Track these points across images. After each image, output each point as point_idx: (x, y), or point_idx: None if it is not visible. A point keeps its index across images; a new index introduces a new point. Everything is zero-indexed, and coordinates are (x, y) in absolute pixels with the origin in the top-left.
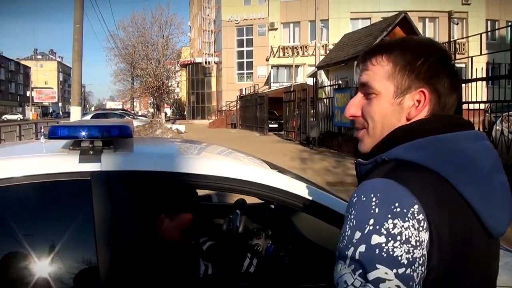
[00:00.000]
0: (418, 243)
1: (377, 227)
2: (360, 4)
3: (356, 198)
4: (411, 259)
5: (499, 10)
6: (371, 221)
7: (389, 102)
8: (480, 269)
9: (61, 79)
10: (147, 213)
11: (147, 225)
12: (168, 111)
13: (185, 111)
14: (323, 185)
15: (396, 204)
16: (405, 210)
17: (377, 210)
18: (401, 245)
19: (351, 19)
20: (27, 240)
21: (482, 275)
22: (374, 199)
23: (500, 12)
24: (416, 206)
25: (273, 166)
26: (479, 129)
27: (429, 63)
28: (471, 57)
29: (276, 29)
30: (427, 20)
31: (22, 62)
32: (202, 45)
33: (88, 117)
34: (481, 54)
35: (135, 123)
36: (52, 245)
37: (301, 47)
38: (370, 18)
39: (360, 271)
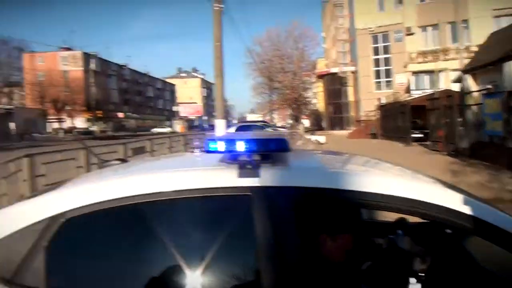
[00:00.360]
0: None
1: None
2: (501, 0)
3: None
4: None
5: None
6: None
7: None
8: None
9: (204, 94)
10: (309, 230)
11: (310, 243)
12: (306, 122)
13: (323, 122)
14: None
15: None
16: None
17: None
18: None
19: (494, 16)
20: (183, 255)
21: None
22: None
23: None
24: None
25: (445, 184)
26: None
27: None
28: None
29: (413, 34)
30: None
31: (168, 80)
32: (337, 55)
33: (233, 129)
34: None
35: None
36: (211, 261)
37: (441, 51)
38: None
39: None
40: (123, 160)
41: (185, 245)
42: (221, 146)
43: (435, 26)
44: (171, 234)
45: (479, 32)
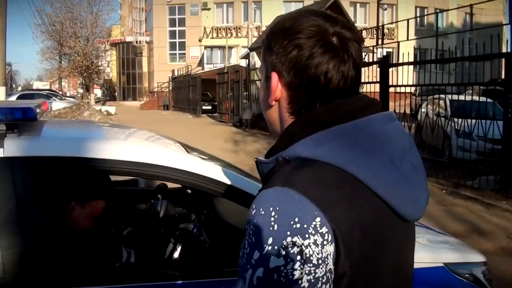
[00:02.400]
0: (320, 261)
1: (276, 247)
2: None
3: (254, 211)
4: (312, 280)
5: None
6: (270, 240)
7: (263, 87)
8: (395, 256)
9: None
10: (55, 201)
11: (55, 214)
12: (99, 92)
13: (116, 92)
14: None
15: (296, 220)
16: (305, 226)
17: (276, 227)
18: (302, 266)
19: (284, 1)
20: None
21: (397, 261)
22: (273, 213)
23: (429, 0)
24: (318, 219)
25: (189, 149)
26: (404, 111)
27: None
28: (399, 42)
29: (209, 9)
30: (358, 5)
31: None
32: (133, 24)
33: (13, 98)
34: (407, 39)
35: (62, 104)
36: None
37: (234, 28)
38: (302, 1)
39: None
40: None
41: None
42: None
43: (230, 3)
44: None
45: (270, 14)
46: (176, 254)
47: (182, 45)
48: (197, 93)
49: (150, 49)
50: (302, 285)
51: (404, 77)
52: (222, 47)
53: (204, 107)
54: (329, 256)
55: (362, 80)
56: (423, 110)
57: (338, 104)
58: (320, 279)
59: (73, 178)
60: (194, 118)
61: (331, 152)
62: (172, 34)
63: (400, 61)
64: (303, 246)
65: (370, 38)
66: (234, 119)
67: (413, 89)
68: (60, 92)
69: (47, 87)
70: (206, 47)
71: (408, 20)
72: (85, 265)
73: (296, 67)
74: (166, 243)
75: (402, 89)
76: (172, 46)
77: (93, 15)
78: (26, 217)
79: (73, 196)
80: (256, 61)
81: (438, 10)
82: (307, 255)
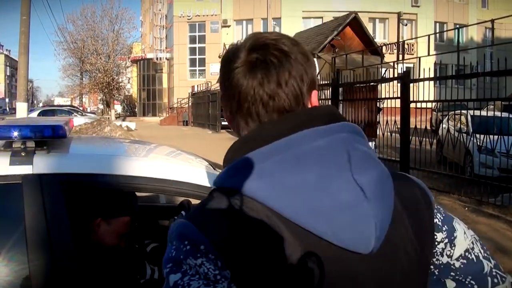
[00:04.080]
0: (219, 276)
1: (174, 268)
2: (312, 3)
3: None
4: None
5: (447, 12)
6: (168, 265)
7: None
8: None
9: (8, 74)
10: (83, 217)
11: (83, 230)
12: (119, 107)
13: (136, 108)
14: None
15: (186, 242)
16: (191, 247)
17: (173, 253)
18: (198, 280)
19: (303, 17)
20: None
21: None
22: (173, 242)
23: (448, 15)
24: (202, 246)
25: (216, 166)
26: (426, 127)
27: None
28: (419, 58)
29: (229, 26)
30: (377, 20)
31: None
32: (154, 41)
33: (35, 114)
34: (428, 54)
35: (83, 120)
36: None
37: None
38: (322, 17)
39: None
40: None
41: None
42: None
43: (249, 20)
44: None
45: (289, 31)
46: None
47: (202, 62)
48: (217, 109)
49: (170, 65)
50: None
51: (424, 92)
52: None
53: (223, 123)
54: (223, 280)
55: (383, 96)
56: (444, 126)
57: (259, 128)
58: None
59: (99, 195)
60: (214, 133)
61: (238, 182)
62: (192, 51)
63: (421, 76)
64: (197, 266)
65: (389, 54)
66: None
67: (433, 104)
68: (81, 108)
69: (68, 103)
70: None
71: (429, 35)
72: (111, 281)
73: None
74: None
75: (423, 105)
76: (192, 62)
77: (115, 33)
78: (55, 233)
79: (100, 212)
80: None
81: (457, 25)
82: (203, 273)
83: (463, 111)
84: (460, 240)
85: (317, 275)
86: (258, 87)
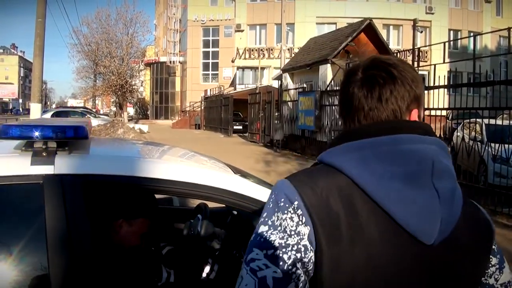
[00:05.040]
0: (293, 233)
1: (266, 219)
2: (326, 8)
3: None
4: (283, 244)
5: (462, 20)
6: (264, 214)
7: None
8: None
9: (22, 75)
10: (104, 218)
11: (104, 231)
12: (131, 110)
13: (149, 111)
14: None
15: (282, 200)
16: (287, 205)
17: (270, 205)
18: (278, 233)
19: (317, 23)
20: None
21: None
22: (272, 195)
23: (463, 22)
24: (296, 202)
25: (236, 171)
26: (440, 135)
27: None
28: (435, 65)
29: (242, 31)
30: (391, 27)
31: None
32: (167, 44)
33: (48, 115)
34: (444, 62)
35: (96, 122)
36: (0, 253)
37: (267, 49)
38: (335, 23)
39: (245, 255)
40: None
41: None
42: (17, 132)
43: (263, 25)
44: None
45: (302, 36)
46: (213, 275)
47: (215, 66)
48: (229, 113)
49: (183, 69)
50: (273, 245)
51: (437, 100)
52: (254, 68)
53: (235, 127)
54: (302, 234)
55: None
56: (458, 134)
57: (365, 125)
58: (291, 245)
59: (121, 196)
60: (226, 137)
61: (342, 161)
62: (206, 55)
63: (435, 84)
64: (281, 219)
65: None
66: (265, 139)
67: (444, 112)
68: (94, 110)
69: (81, 104)
70: (238, 67)
71: (444, 43)
72: (130, 283)
73: None
74: (205, 264)
75: (436, 112)
76: (205, 66)
77: (129, 36)
78: (75, 234)
79: (121, 213)
80: (289, 82)
81: (472, 33)
82: (283, 226)
83: (478, 120)
84: (507, 270)
85: (383, 253)
86: (362, 99)
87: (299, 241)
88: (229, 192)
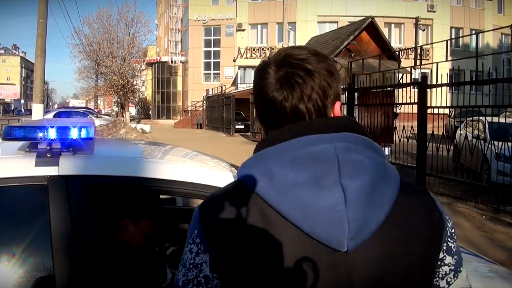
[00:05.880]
0: (192, 266)
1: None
2: (327, 7)
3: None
4: (185, 281)
5: (463, 18)
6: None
7: None
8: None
9: (23, 75)
10: (109, 219)
11: (108, 231)
12: (133, 110)
13: (150, 111)
14: None
15: (188, 231)
16: (188, 237)
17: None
18: (180, 268)
19: (318, 22)
20: None
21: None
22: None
23: (464, 20)
24: (195, 231)
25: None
26: (443, 133)
27: None
28: (437, 63)
29: (243, 30)
30: (392, 25)
31: None
32: (169, 44)
33: (50, 115)
34: (446, 60)
35: (98, 122)
36: (4, 254)
37: (268, 48)
38: (337, 22)
39: None
40: None
41: None
42: (21, 133)
43: (264, 24)
44: None
45: (304, 35)
46: None
47: (217, 65)
48: (231, 112)
49: (185, 68)
50: (179, 285)
51: (439, 98)
52: (256, 67)
53: (237, 126)
54: (202, 264)
55: (399, 101)
56: (461, 132)
57: (273, 132)
58: (192, 281)
59: (127, 196)
60: (228, 137)
61: (247, 177)
62: (207, 54)
63: (438, 82)
64: (184, 253)
65: (405, 59)
66: None
67: (447, 110)
68: (96, 110)
69: (83, 104)
70: (240, 67)
71: (447, 41)
72: (135, 284)
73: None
74: None
75: (439, 110)
76: (207, 66)
77: (130, 36)
78: (80, 235)
79: (128, 213)
80: None
81: (473, 31)
82: (184, 260)
83: (480, 118)
84: (463, 276)
85: (300, 268)
86: (284, 102)
87: (197, 273)
88: None
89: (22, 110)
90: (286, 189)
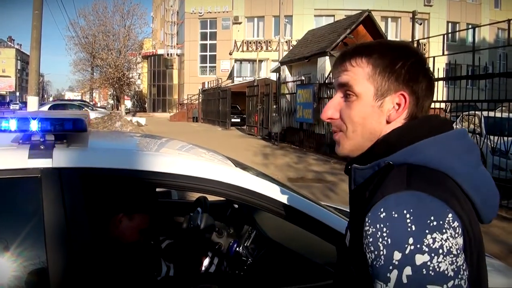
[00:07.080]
0: (459, 251)
1: (418, 245)
2: (324, 1)
3: (384, 214)
4: (456, 269)
5: (460, 12)
6: (411, 240)
7: (370, 105)
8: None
9: (19, 68)
10: (103, 212)
11: (102, 225)
12: (129, 103)
13: (146, 104)
14: (285, 181)
15: (432, 218)
16: (441, 222)
17: (413, 227)
18: (445, 258)
19: (315, 15)
20: None
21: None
22: (408, 215)
23: (461, 15)
24: (450, 215)
25: (237, 163)
26: None
27: (407, 66)
28: (434, 57)
29: (240, 23)
30: (389, 19)
31: None
32: (165, 37)
33: (45, 108)
34: (443, 54)
35: (94, 114)
36: None
37: (265, 42)
38: (333, 16)
39: None
40: None
41: None
42: (13, 125)
43: (261, 18)
44: None
45: (300, 28)
46: (213, 268)
47: (213, 58)
48: (227, 106)
49: (181, 61)
50: (449, 275)
51: (435, 92)
52: (252, 61)
53: (233, 120)
54: (461, 248)
55: None
56: (457, 126)
57: (430, 119)
58: (461, 267)
59: (121, 190)
60: (223, 130)
61: (435, 158)
62: (203, 47)
63: (435, 76)
64: (442, 241)
65: None
66: (263, 132)
67: (443, 105)
68: (92, 103)
69: (79, 97)
70: (236, 60)
71: (444, 35)
72: (129, 278)
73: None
74: (205, 257)
75: (435, 105)
76: (203, 59)
77: (126, 29)
78: (73, 228)
79: (121, 208)
80: (287, 74)
81: (470, 25)
82: (448, 248)
83: (476, 112)
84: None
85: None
86: (431, 90)
87: (463, 257)
88: (229, 185)
89: (18, 102)
90: (472, 168)
